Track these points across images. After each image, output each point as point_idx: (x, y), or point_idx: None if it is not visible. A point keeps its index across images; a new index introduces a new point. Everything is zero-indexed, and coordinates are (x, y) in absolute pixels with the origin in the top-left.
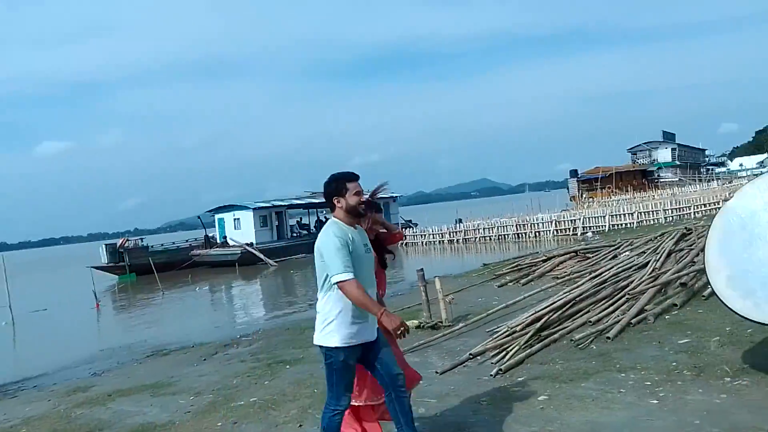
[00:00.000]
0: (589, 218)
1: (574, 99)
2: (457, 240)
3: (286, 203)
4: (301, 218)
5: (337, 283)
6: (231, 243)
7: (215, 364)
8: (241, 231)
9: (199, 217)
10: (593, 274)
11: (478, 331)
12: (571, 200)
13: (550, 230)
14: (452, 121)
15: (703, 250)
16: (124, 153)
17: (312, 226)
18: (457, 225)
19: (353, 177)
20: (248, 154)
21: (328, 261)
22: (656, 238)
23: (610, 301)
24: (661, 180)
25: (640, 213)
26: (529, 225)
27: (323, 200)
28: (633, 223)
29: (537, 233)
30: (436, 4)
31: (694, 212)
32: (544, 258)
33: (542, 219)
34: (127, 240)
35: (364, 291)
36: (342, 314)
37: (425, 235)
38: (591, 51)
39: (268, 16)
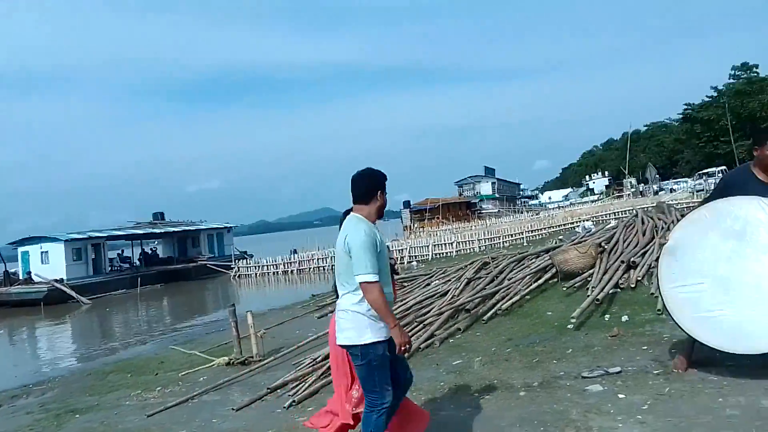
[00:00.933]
0: (414, 248)
1: (412, 132)
2: (292, 271)
3: (105, 234)
4: (123, 250)
5: (361, 282)
6: (36, 279)
7: None
8: (50, 265)
9: None
10: (401, 303)
11: (287, 364)
12: (404, 230)
13: None
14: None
15: (496, 277)
16: None
17: (135, 259)
18: (292, 255)
19: (386, 178)
20: (71, 177)
21: (356, 258)
22: (465, 266)
23: (408, 329)
24: (483, 211)
25: (459, 242)
26: None
27: (149, 230)
28: (452, 252)
29: None
30: (280, 30)
31: (503, 241)
32: None
33: None
34: None
35: (384, 297)
36: (370, 310)
37: (259, 267)
38: (428, 87)
39: (93, 25)
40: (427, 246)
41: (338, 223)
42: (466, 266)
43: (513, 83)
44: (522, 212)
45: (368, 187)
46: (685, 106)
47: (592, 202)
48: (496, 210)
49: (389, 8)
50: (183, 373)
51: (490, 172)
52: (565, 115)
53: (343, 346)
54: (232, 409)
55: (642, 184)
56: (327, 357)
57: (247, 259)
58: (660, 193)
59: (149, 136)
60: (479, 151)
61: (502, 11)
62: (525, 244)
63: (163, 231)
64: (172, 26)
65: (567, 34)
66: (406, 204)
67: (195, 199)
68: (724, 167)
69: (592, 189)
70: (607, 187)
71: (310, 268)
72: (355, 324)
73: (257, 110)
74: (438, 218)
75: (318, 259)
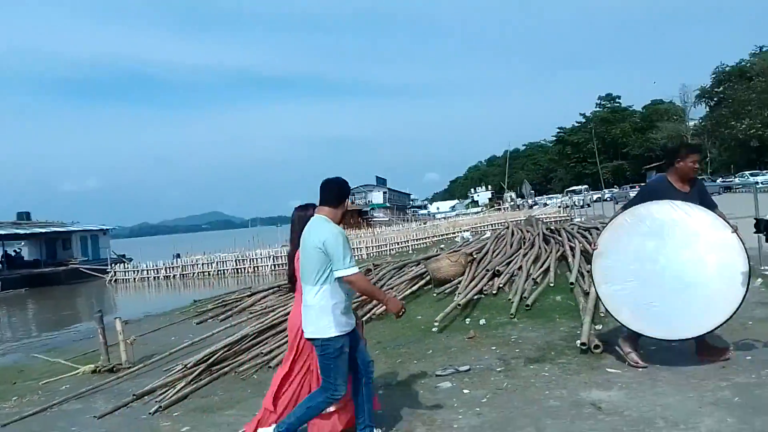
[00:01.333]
0: None
1: (308, 140)
2: (174, 276)
3: None
4: None
5: (346, 276)
6: None
7: None
8: None
9: None
10: (283, 312)
11: (158, 371)
12: None
13: (268, 265)
14: (186, 152)
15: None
16: None
17: None
18: (175, 260)
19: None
20: None
21: (335, 255)
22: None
23: (284, 333)
24: (374, 219)
25: None
26: (248, 260)
27: (12, 231)
28: None
29: (255, 268)
30: (174, 30)
31: (390, 249)
32: (249, 293)
33: (261, 254)
34: None
35: (369, 281)
36: (337, 305)
37: (138, 271)
38: (325, 98)
39: None
40: None
41: (288, 221)
42: None
43: (406, 99)
44: (411, 221)
45: (340, 192)
46: (558, 130)
47: (476, 213)
48: (387, 219)
49: (287, 16)
50: (44, 381)
51: (381, 182)
52: (454, 132)
53: (308, 338)
54: (94, 417)
55: (520, 199)
56: (199, 362)
57: (125, 262)
58: (534, 207)
59: (18, 131)
60: (372, 162)
61: (396, 31)
62: (410, 252)
63: (28, 232)
64: (46, 15)
65: (456, 57)
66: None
67: (70, 199)
68: (586, 186)
69: (477, 201)
70: (489, 199)
71: (194, 273)
72: (320, 318)
73: (143, 110)
74: None
75: (203, 264)
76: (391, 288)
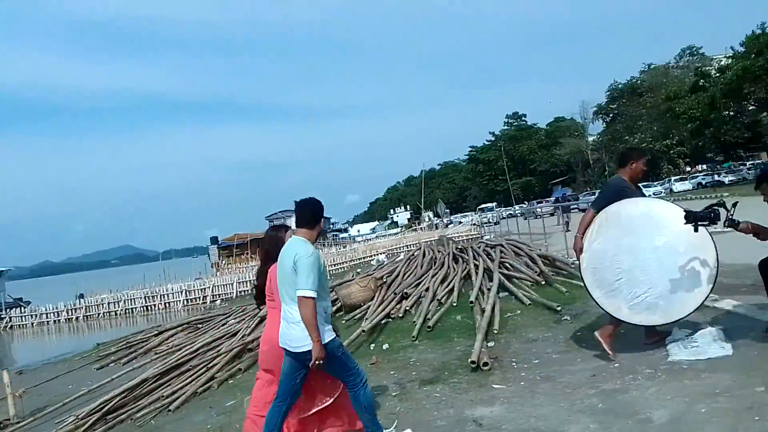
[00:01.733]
0: (218, 286)
1: (224, 167)
2: (77, 318)
3: None
4: None
5: (300, 296)
6: None
7: None
8: None
9: None
10: (190, 345)
11: (50, 423)
12: (212, 266)
13: (180, 300)
14: (93, 183)
15: None
16: None
17: None
18: (78, 301)
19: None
20: None
21: (301, 275)
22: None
23: (191, 373)
24: None
25: None
26: (158, 296)
27: None
28: None
29: (167, 304)
30: (74, 54)
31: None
32: (157, 332)
33: (172, 289)
34: None
35: (315, 313)
36: (322, 318)
37: (36, 315)
38: (241, 122)
39: None
40: (231, 284)
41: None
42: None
43: (324, 122)
44: (331, 246)
45: (314, 214)
46: (471, 149)
47: (394, 234)
48: None
49: (198, 40)
50: None
51: None
52: (373, 153)
53: (302, 353)
54: None
55: (436, 218)
56: (93, 412)
57: (21, 307)
58: (449, 225)
59: None
60: (291, 186)
61: (310, 54)
62: (329, 278)
63: None
64: None
65: (370, 79)
66: (214, 240)
67: None
68: (494, 204)
69: (396, 222)
70: (408, 220)
71: (99, 314)
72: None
73: (43, 138)
74: (247, 254)
75: (109, 303)
76: None
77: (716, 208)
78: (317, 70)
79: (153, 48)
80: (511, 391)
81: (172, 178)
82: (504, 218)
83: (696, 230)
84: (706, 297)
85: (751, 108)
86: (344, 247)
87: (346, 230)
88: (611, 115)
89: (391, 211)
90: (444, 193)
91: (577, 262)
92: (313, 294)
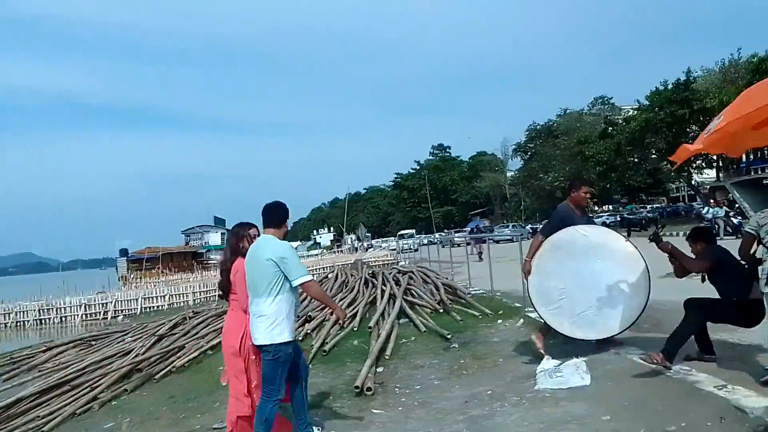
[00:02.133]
0: (121, 301)
1: (138, 177)
2: None
3: None
4: None
5: (304, 283)
6: None
7: None
8: None
9: None
10: (78, 363)
11: None
12: (119, 280)
13: (78, 314)
14: None
15: (189, 332)
16: None
17: None
18: None
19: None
20: None
21: (293, 266)
22: (164, 322)
23: (70, 394)
24: (211, 262)
25: (172, 295)
26: (54, 309)
27: None
28: (165, 305)
29: (63, 318)
30: None
31: (218, 294)
32: (45, 348)
33: (70, 302)
34: None
35: (321, 288)
36: (288, 314)
37: None
38: (161, 132)
39: None
40: (137, 299)
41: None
42: (165, 322)
43: (248, 137)
44: None
45: (281, 215)
46: (396, 175)
47: (316, 255)
48: None
49: (119, 42)
50: None
51: (220, 222)
52: (298, 172)
53: (259, 345)
54: None
55: (357, 242)
56: None
57: None
58: (370, 249)
59: None
60: (213, 200)
61: (238, 68)
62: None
63: None
64: None
65: (300, 98)
66: (123, 252)
67: None
68: (413, 231)
69: (319, 243)
70: (331, 241)
71: None
72: (273, 326)
73: None
74: (159, 268)
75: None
76: (202, 337)
77: (649, 217)
78: (244, 85)
79: (65, 47)
80: (387, 416)
81: (84, 185)
82: (424, 245)
83: (629, 235)
84: (639, 316)
85: (653, 156)
86: None
87: None
88: (529, 153)
89: (315, 231)
90: (368, 217)
91: (526, 281)
92: (310, 277)
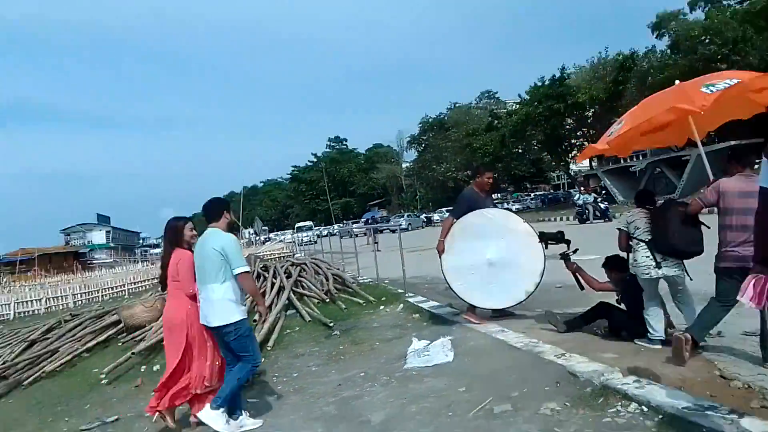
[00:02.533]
0: None
1: (14, 175)
2: None
3: None
4: None
5: (242, 273)
6: None
7: None
8: None
9: None
10: None
11: None
12: None
13: None
14: None
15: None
16: None
17: None
18: None
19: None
20: None
21: (233, 257)
22: (36, 327)
23: None
24: (95, 261)
25: (49, 298)
26: None
27: None
28: (42, 309)
29: None
30: None
31: (102, 295)
32: None
33: None
34: None
35: (255, 282)
36: (239, 297)
37: None
38: (41, 128)
39: None
40: (9, 304)
41: (163, 236)
42: (39, 326)
43: (134, 132)
44: (139, 262)
45: (217, 209)
46: (293, 168)
47: None
48: (111, 260)
49: None
50: None
51: (104, 220)
52: (191, 166)
53: (217, 327)
54: None
55: (255, 235)
56: None
57: None
58: (267, 242)
59: None
60: (97, 198)
61: (124, 61)
62: (127, 297)
63: None
64: None
65: (191, 91)
66: None
67: None
68: (311, 222)
69: None
70: None
71: None
72: (226, 308)
73: None
74: (35, 270)
75: None
76: (78, 339)
77: (562, 233)
78: (129, 78)
79: None
80: (261, 404)
81: None
82: (323, 236)
83: (546, 247)
84: (536, 287)
85: (535, 147)
86: (153, 264)
87: (158, 245)
88: (423, 146)
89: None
90: (266, 210)
91: (440, 259)
92: (248, 268)
